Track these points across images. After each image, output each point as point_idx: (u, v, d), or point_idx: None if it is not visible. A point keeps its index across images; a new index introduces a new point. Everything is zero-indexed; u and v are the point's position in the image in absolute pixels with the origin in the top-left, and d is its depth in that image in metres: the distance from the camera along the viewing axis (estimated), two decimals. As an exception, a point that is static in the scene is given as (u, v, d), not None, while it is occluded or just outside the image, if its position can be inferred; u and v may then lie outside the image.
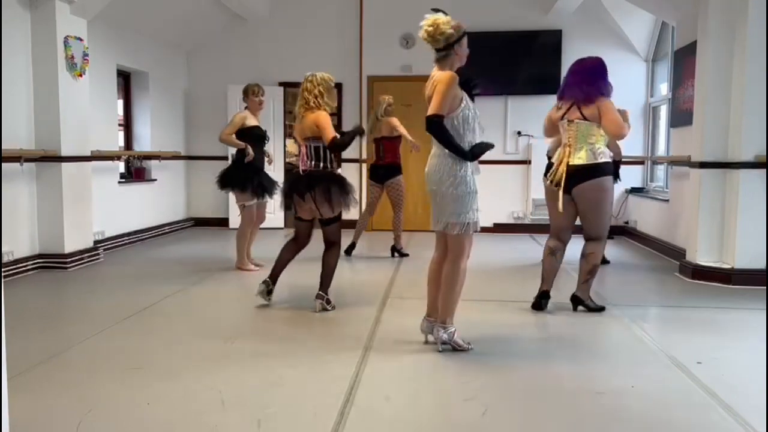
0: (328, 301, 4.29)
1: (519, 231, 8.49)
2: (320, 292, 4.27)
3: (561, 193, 4.17)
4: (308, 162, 4.25)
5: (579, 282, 4.34)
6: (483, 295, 4.79)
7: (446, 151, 3.27)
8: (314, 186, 4.17)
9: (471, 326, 3.85)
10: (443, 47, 3.28)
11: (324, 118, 4.15)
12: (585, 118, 4.09)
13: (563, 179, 4.15)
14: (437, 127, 3.21)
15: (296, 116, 4.32)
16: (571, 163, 4.13)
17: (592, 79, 4.12)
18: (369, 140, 6.64)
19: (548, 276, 4.37)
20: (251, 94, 5.51)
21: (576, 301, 4.35)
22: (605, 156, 4.12)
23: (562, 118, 4.21)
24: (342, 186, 4.27)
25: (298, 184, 4.26)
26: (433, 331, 3.45)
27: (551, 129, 4.40)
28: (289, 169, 7.51)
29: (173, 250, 6.92)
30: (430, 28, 3.24)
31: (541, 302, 4.34)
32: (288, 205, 4.47)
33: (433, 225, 3.44)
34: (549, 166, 6.33)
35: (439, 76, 3.26)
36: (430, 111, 3.22)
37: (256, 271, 5.59)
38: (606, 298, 4.64)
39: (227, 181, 5.53)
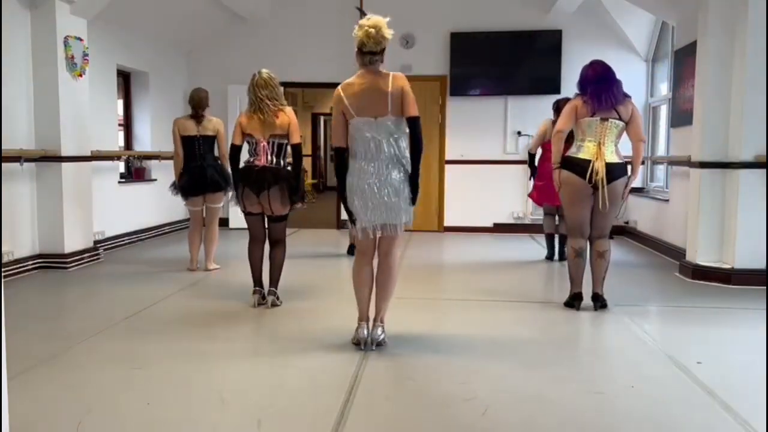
0: (278, 297, 4.40)
1: (519, 231, 8.48)
2: (272, 288, 4.39)
3: (602, 188, 4.12)
4: (270, 158, 4.24)
5: (599, 280, 4.32)
6: (483, 295, 4.79)
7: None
8: (273, 183, 4.18)
9: (471, 325, 3.85)
10: (381, 51, 3.22)
11: (296, 120, 4.30)
12: (620, 118, 4.22)
13: (600, 176, 4.12)
14: (420, 128, 3.24)
15: (257, 113, 4.21)
16: (608, 161, 4.15)
17: (619, 81, 4.32)
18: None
19: (578, 277, 4.36)
20: None
21: (598, 299, 4.32)
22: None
23: (593, 114, 4.19)
24: (297, 186, 4.30)
25: (257, 179, 4.20)
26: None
27: (569, 124, 4.29)
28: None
29: (173, 250, 6.92)
30: (372, 30, 3.13)
31: (574, 303, 4.34)
32: (242, 198, 4.34)
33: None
34: (532, 161, 6.41)
35: (404, 80, 3.24)
36: (415, 113, 3.22)
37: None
38: (606, 297, 4.63)
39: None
